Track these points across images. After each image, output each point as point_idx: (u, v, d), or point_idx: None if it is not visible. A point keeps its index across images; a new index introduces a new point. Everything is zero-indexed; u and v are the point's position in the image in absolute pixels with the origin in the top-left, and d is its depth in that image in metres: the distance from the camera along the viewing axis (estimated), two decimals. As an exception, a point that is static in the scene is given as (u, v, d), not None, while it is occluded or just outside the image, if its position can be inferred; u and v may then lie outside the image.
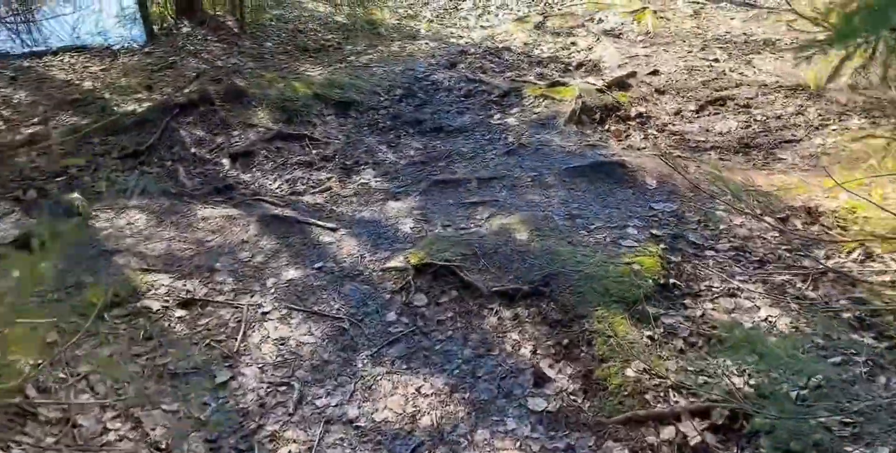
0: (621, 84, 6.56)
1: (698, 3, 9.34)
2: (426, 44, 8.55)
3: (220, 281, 4.21)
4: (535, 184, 4.90)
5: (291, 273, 4.26)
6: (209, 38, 8.51)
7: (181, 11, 8.98)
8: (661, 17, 8.59)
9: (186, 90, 6.52)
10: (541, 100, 6.43)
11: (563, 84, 6.52)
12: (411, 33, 9.14)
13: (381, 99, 6.81)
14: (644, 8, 8.72)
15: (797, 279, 3.86)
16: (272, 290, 4.13)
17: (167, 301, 4.06)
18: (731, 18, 8.63)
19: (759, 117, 6.09)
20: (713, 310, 3.65)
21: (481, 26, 9.41)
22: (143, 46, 8.74)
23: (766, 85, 6.64)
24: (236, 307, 4.01)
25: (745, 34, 8.02)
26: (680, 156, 5.42)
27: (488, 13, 10.05)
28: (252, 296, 4.09)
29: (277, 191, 5.43)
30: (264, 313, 3.97)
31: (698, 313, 3.63)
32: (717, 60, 7.25)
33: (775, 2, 9.30)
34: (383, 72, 7.48)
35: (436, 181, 5.04)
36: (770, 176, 5.10)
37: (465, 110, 6.54)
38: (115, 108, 6.63)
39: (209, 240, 4.62)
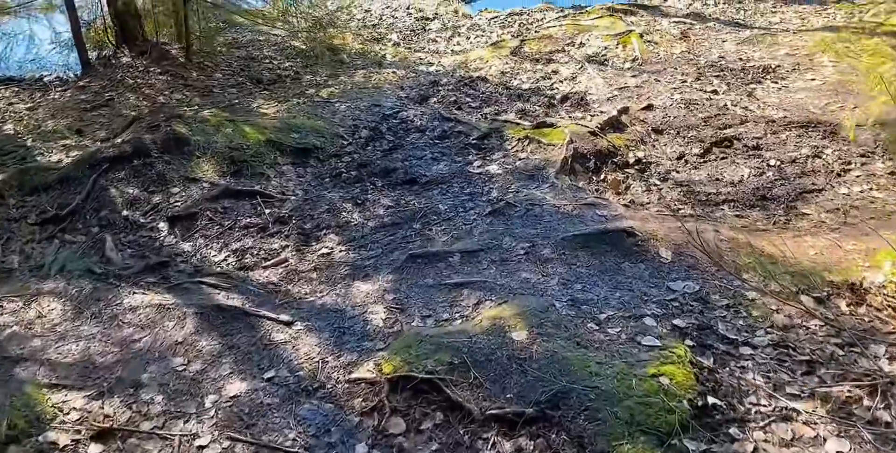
0: (615, 124, 5.83)
1: (685, 22, 8.68)
2: (393, 72, 7.76)
3: (146, 400, 3.38)
4: (530, 258, 4.12)
5: (236, 386, 3.44)
6: (151, 69, 7.63)
7: (121, 38, 8.08)
8: (649, 41, 7.90)
9: (120, 139, 5.64)
10: (525, 143, 5.67)
11: (550, 125, 5.77)
12: (377, 59, 8.35)
13: (345, 143, 6.00)
14: (629, 31, 8.01)
15: (862, 392, 3.12)
16: (211, 412, 3.30)
17: (78, 431, 3.22)
18: (723, 41, 7.97)
19: (772, 162, 5.40)
20: (766, 441, 2.90)
21: (452, 51, 8.65)
22: (78, 78, 7.86)
23: (774, 121, 5.96)
24: (166, 438, 3.18)
25: (741, 59, 7.35)
26: (692, 216, 4.68)
27: (458, 35, 9.30)
28: (186, 422, 3.26)
29: (223, 264, 4.59)
30: (200, 447, 3.14)
31: (749, 449, 2.87)
32: (715, 92, 6.55)
33: (764, 21, 8.67)
34: (347, 108, 6.68)
35: (411, 255, 4.23)
36: (798, 239, 4.39)
37: (441, 156, 5.76)
38: (37, 159, 5.74)
39: (136, 340, 3.78)
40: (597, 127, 5.64)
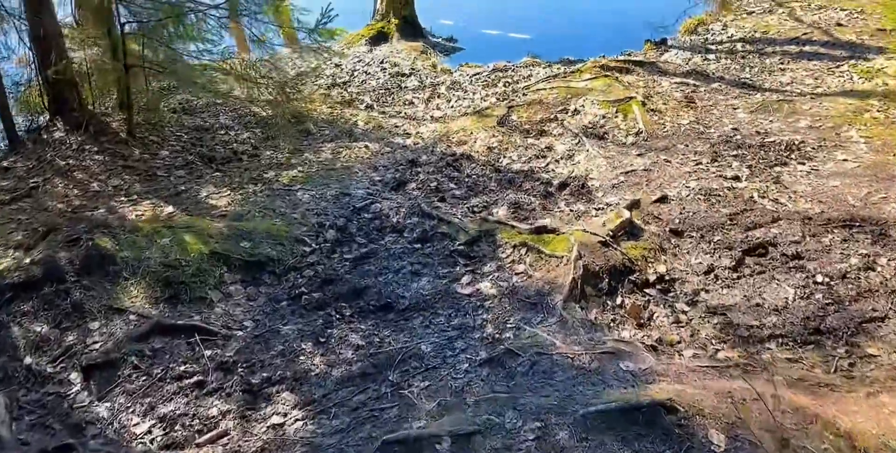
0: (627, 227, 4.90)
1: (688, 84, 7.84)
2: (366, 147, 6.83)
3: None
4: (542, 445, 3.14)
5: None
6: (87, 146, 6.63)
7: (55, 109, 7.06)
8: (652, 110, 7.03)
9: (29, 258, 4.61)
10: (523, 252, 4.74)
11: (552, 231, 4.84)
12: (347, 128, 7.42)
13: (307, 249, 5.03)
14: (629, 98, 7.14)
15: None
16: None
17: None
18: (735, 108, 7.12)
19: (818, 277, 4.50)
20: None
21: (432, 117, 7.73)
22: (3, 157, 6.82)
23: (811, 218, 5.08)
24: None
25: (758, 133, 6.50)
26: (736, 365, 3.75)
27: (438, 96, 8.40)
28: None
29: (146, 439, 3.56)
30: None
31: None
32: (737, 178, 5.67)
33: (774, 81, 7.87)
34: (311, 198, 5.72)
35: (385, 443, 3.24)
36: (872, 400, 3.47)
37: (422, 267, 4.80)
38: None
39: None
40: (608, 235, 4.70)
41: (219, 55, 7.33)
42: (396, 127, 7.60)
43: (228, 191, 5.92)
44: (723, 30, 10.17)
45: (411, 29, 10.66)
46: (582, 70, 8.35)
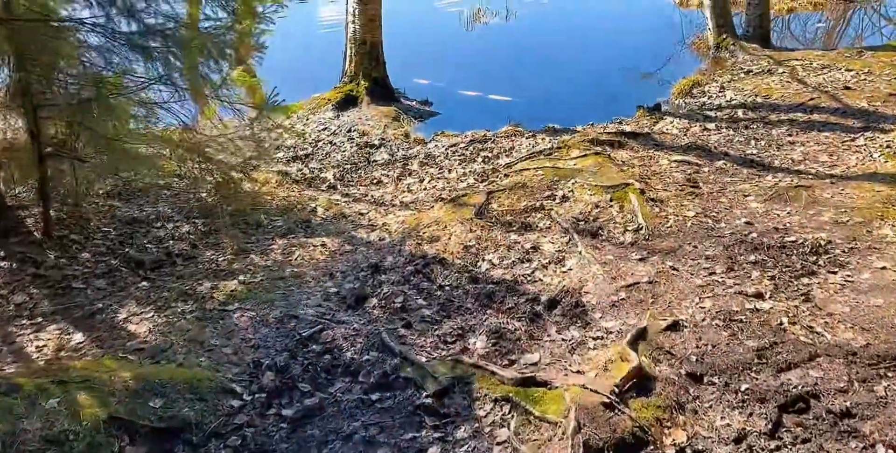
0: (636, 376, 3.93)
1: (689, 162, 6.97)
2: (322, 245, 5.88)
3: None
4: None
5: None
6: (-7, 249, 5.61)
7: (-38, 201, 6.07)
8: (652, 199, 6.12)
9: None
10: (506, 411, 3.76)
11: (543, 383, 3.87)
12: (304, 218, 6.47)
13: (236, 404, 4.02)
14: (625, 184, 6.24)
15: None
16: None
17: None
18: (745, 195, 6.24)
19: (879, 450, 3.51)
20: None
21: (402, 202, 6.80)
22: None
23: (855, 353, 4.15)
24: None
25: (776, 229, 5.60)
26: None
27: (409, 174, 7.49)
28: None
29: None
30: None
31: None
32: (760, 295, 4.74)
33: (784, 157, 7.01)
34: (249, 322, 4.73)
35: None
36: None
37: (379, 433, 3.81)
38: None
39: None
40: (613, 392, 3.73)
41: (160, 133, 6.40)
42: (361, 215, 6.66)
43: (153, 312, 4.92)
44: (720, 92, 9.39)
45: (382, 91, 9.81)
46: (569, 145, 7.46)
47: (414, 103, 10.09)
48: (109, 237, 6.04)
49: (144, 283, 5.40)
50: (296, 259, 5.70)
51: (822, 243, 5.34)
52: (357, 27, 9.57)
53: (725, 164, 6.99)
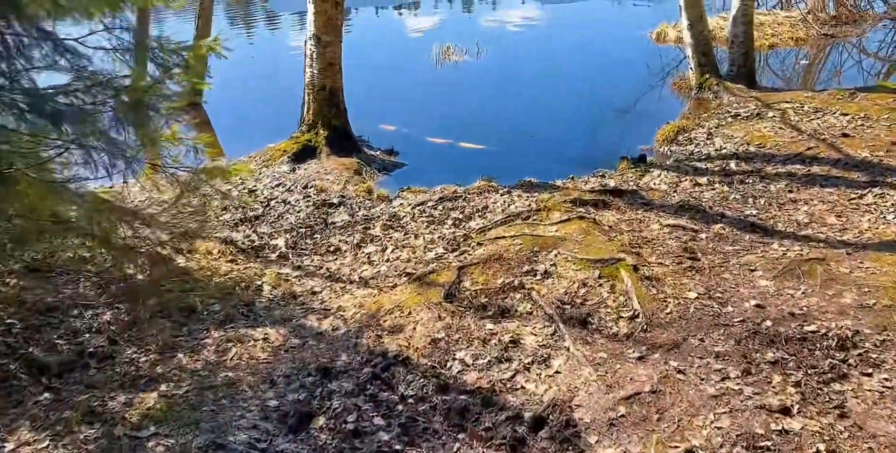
0: None
1: (683, 227, 6.20)
2: (264, 340, 4.98)
3: None
4: None
5: None
6: None
7: None
8: (647, 277, 5.32)
9: None
10: None
11: None
12: (247, 300, 5.58)
13: None
14: (615, 259, 5.44)
15: None
16: None
17: None
18: (752, 269, 5.48)
19: None
20: None
21: (360, 278, 5.93)
22: None
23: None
24: None
25: (792, 315, 4.82)
26: None
27: (370, 240, 6.64)
28: None
29: None
30: None
31: None
32: (786, 411, 3.94)
33: (789, 220, 6.27)
34: (166, 454, 3.78)
35: None
36: None
37: None
38: None
39: None
40: None
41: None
42: (313, 295, 5.78)
43: (48, 441, 3.98)
44: (708, 139, 8.69)
45: (344, 141, 8.98)
46: (549, 207, 6.66)
47: (378, 153, 9.27)
48: (14, 331, 5.10)
49: (46, 395, 4.46)
50: (231, 359, 4.79)
51: (849, 334, 4.56)
52: (315, 72, 8.76)
53: (724, 229, 6.22)
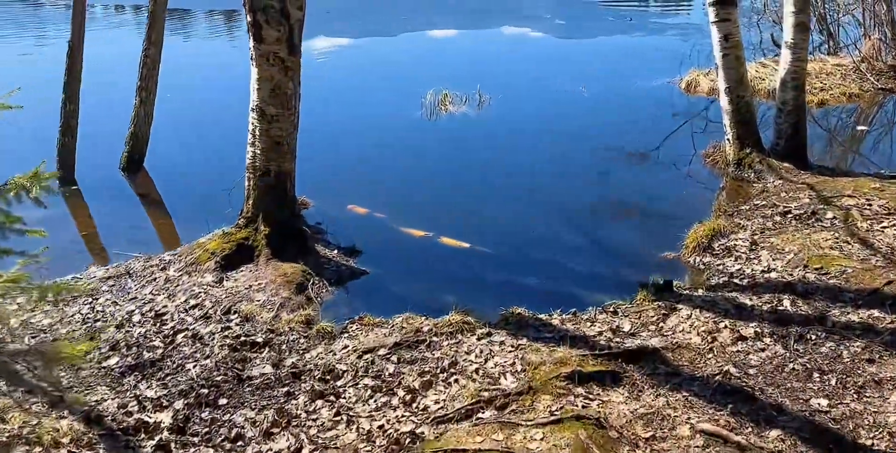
0: None
1: (726, 441, 4.26)
2: None
3: None
4: None
5: None
6: None
7: None
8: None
9: None
10: None
11: None
12: None
13: None
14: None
15: None
16: None
17: None
18: None
19: None
20: None
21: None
22: None
23: None
24: None
25: None
26: None
27: (288, 422, 4.78)
28: None
29: None
30: None
31: None
32: None
33: (879, 428, 4.33)
34: None
35: None
36: None
37: None
38: None
39: None
40: None
41: None
42: None
43: None
44: (752, 252, 6.80)
45: (291, 240, 7.16)
46: (538, 382, 4.77)
47: (335, 254, 7.41)
48: None
49: None
50: None
51: None
52: (257, 152, 6.94)
53: (783, 441, 4.28)
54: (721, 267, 6.85)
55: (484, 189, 9.27)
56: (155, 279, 6.90)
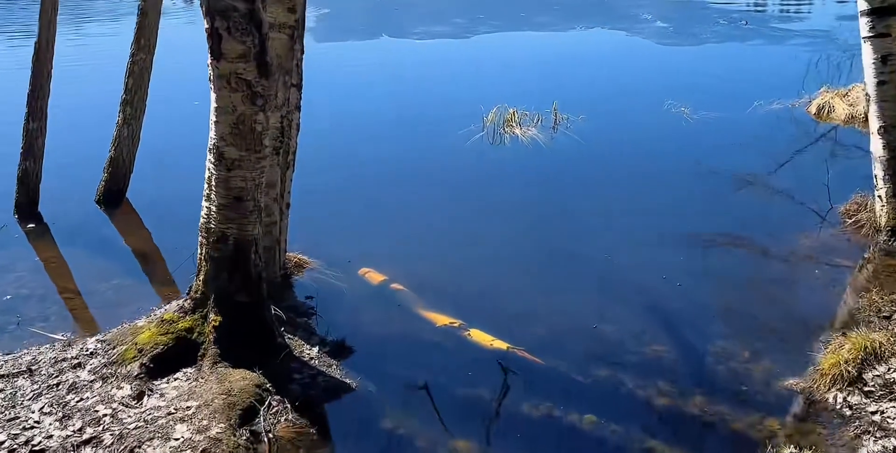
0: None
1: None
2: None
3: None
4: None
5: None
6: None
7: None
8: None
9: None
10: None
11: None
12: None
13: None
14: None
15: None
16: None
17: None
18: None
19: None
20: None
21: None
22: None
23: None
24: None
25: None
26: None
27: None
28: None
29: None
30: None
31: None
32: None
33: None
34: None
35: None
36: None
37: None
38: None
39: None
40: None
41: None
42: None
43: None
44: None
45: (252, 333, 5.04)
46: None
47: (315, 354, 5.26)
48: None
49: None
50: None
51: None
52: (212, 209, 4.87)
53: None
54: (878, 417, 4.35)
55: (538, 257, 6.94)
56: (59, 384, 4.92)
